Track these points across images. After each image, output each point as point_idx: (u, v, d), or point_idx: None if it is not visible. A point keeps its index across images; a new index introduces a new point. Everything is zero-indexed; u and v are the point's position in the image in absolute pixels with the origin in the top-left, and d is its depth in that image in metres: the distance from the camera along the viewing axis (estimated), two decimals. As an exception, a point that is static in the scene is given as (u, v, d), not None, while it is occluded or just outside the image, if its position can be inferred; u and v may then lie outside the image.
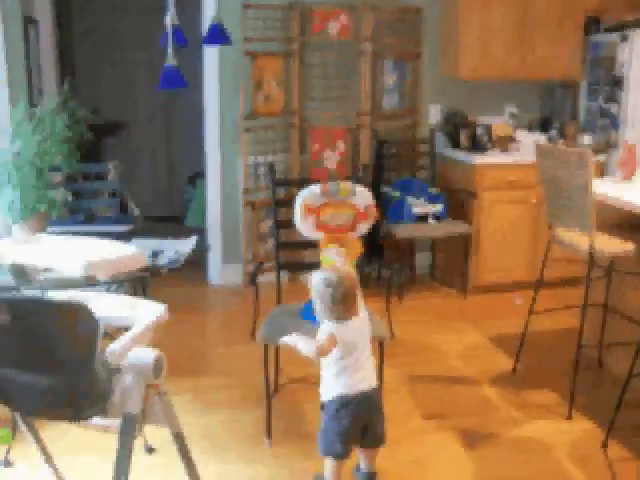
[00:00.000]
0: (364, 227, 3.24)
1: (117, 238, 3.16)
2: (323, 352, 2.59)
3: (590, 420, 3.53)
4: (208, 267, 5.59)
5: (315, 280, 2.64)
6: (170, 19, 3.26)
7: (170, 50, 3.16)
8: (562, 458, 3.22)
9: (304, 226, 3.19)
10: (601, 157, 5.17)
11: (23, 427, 2.63)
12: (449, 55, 5.55)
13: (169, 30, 3.19)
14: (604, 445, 3.29)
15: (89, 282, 2.73)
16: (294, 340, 2.68)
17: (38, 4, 5.08)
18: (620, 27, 5.31)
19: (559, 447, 3.31)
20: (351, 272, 2.75)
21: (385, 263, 5.28)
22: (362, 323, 2.69)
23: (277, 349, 3.60)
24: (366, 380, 2.67)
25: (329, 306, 2.59)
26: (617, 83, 5.31)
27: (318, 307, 2.64)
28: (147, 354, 2.22)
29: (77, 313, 2.13)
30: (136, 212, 4.17)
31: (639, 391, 3.50)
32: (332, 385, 2.67)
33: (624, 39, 5.24)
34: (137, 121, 7.44)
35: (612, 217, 3.75)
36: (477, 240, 5.26)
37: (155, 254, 2.99)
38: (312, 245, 3.31)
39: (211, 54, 5.23)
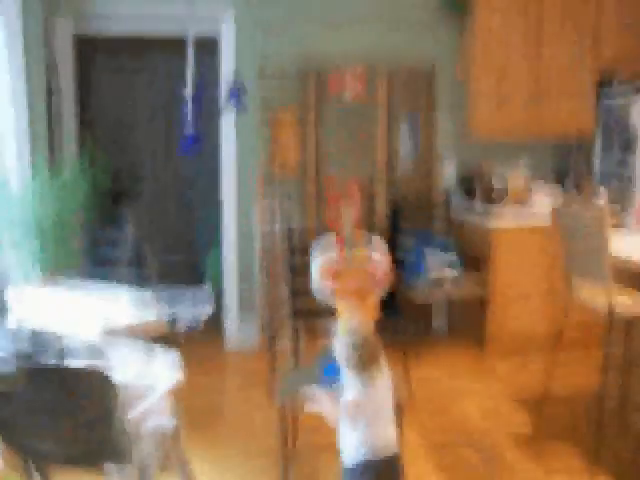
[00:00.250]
0: (380, 292, 3.24)
1: (136, 288, 3.18)
2: (350, 415, 2.56)
3: (614, 482, 3.45)
4: (225, 331, 5.59)
5: (340, 343, 2.62)
6: (189, 89, 3.35)
7: (188, 119, 3.24)
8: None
9: (321, 291, 3.19)
10: (615, 215, 5.17)
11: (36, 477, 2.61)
12: (464, 113, 5.62)
13: (188, 101, 3.28)
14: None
15: (106, 347, 2.73)
16: (321, 402, 2.64)
17: (62, 74, 5.22)
18: (632, 89, 5.34)
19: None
20: (373, 333, 2.75)
21: (402, 322, 5.25)
22: (386, 385, 2.67)
23: (294, 413, 3.57)
24: (390, 445, 2.64)
25: (356, 367, 2.58)
26: (630, 143, 5.35)
27: (344, 369, 2.62)
28: (166, 421, 2.21)
29: (96, 380, 2.14)
30: (154, 264, 4.20)
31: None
32: (356, 449, 2.63)
33: (636, 102, 5.27)
34: (151, 187, 7.52)
35: (632, 274, 3.73)
36: (494, 300, 5.23)
37: (173, 318, 3.00)
38: (329, 312, 3.31)
39: (229, 119, 5.31)
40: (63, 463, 2.29)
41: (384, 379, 2.65)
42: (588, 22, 5.51)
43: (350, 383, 2.62)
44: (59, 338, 2.86)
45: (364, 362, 2.56)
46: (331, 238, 3.22)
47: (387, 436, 2.63)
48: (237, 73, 5.18)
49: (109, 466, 2.30)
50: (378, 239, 3.27)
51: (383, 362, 2.68)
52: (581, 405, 4.26)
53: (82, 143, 5.41)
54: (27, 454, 2.30)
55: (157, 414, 2.27)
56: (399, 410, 3.14)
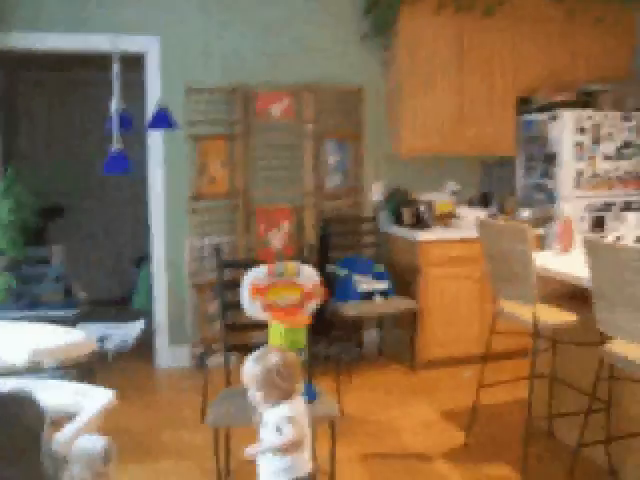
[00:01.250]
0: (312, 306, 3.26)
1: (63, 323, 3.12)
2: (298, 442, 2.50)
3: (543, 492, 3.53)
4: (155, 349, 5.51)
5: (256, 363, 2.53)
6: (115, 104, 3.31)
7: (115, 135, 3.20)
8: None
9: (252, 307, 3.20)
10: (539, 230, 5.33)
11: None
12: (389, 134, 5.73)
13: (114, 115, 3.24)
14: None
15: (34, 370, 2.67)
16: (264, 447, 2.54)
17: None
18: (549, 107, 5.57)
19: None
20: (289, 351, 2.70)
21: (333, 341, 5.28)
22: (302, 403, 2.63)
23: (227, 432, 3.54)
24: (307, 466, 2.60)
25: (277, 386, 2.52)
26: (550, 159, 5.54)
27: (261, 392, 2.53)
28: (95, 442, 2.17)
29: (21, 403, 2.09)
30: (81, 296, 4.12)
31: (590, 460, 3.53)
32: (284, 467, 2.60)
33: (553, 118, 5.49)
34: (81, 203, 7.41)
35: (554, 289, 3.85)
36: (423, 315, 5.32)
37: (102, 339, 2.95)
38: (260, 326, 3.31)
39: (155, 137, 5.29)
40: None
41: (301, 401, 2.61)
42: (505, 49, 5.74)
43: (267, 402, 2.54)
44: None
45: (283, 377, 2.51)
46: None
47: (305, 457, 2.59)
48: (164, 91, 5.17)
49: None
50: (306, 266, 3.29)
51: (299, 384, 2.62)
52: (511, 417, 4.36)
53: (6, 162, 5.28)
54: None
55: (87, 435, 2.22)
56: (331, 427, 3.16)
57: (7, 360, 2.68)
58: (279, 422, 2.50)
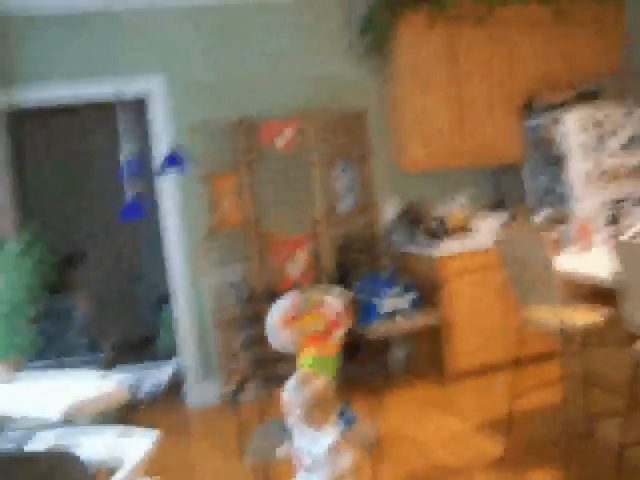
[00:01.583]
0: (339, 333, 3.26)
1: (93, 372, 3.13)
2: (357, 467, 2.52)
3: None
4: (184, 388, 5.51)
5: (300, 388, 2.57)
6: (124, 154, 3.35)
7: (127, 183, 3.24)
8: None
9: (279, 339, 3.20)
10: (554, 233, 5.32)
11: None
12: (394, 151, 5.75)
13: (125, 165, 3.28)
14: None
15: (69, 425, 2.68)
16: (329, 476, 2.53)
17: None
18: (550, 109, 5.58)
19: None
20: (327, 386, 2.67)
21: (360, 363, 5.27)
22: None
23: (267, 467, 3.53)
24: None
25: (324, 410, 2.54)
26: (558, 161, 5.53)
27: (308, 416, 2.54)
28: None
29: (63, 462, 2.09)
30: (110, 343, 4.14)
31: (632, 460, 3.50)
32: None
33: (556, 120, 5.49)
34: (98, 248, 7.45)
35: (577, 289, 3.84)
36: (448, 328, 5.30)
37: (134, 387, 2.96)
38: (286, 358, 3.31)
39: (167, 181, 5.32)
40: None
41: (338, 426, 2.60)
42: (504, 55, 5.77)
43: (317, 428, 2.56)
44: (17, 420, 2.80)
45: (328, 414, 2.54)
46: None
47: None
48: (171, 134, 5.21)
49: None
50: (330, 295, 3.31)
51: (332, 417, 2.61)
52: (547, 423, 4.32)
53: (23, 218, 5.33)
54: None
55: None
56: (369, 448, 3.15)
57: (42, 417, 2.69)
58: (332, 449, 2.51)
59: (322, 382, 2.59)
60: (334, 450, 2.50)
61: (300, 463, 2.56)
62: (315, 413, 2.54)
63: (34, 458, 2.20)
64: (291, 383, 2.60)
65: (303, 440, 2.57)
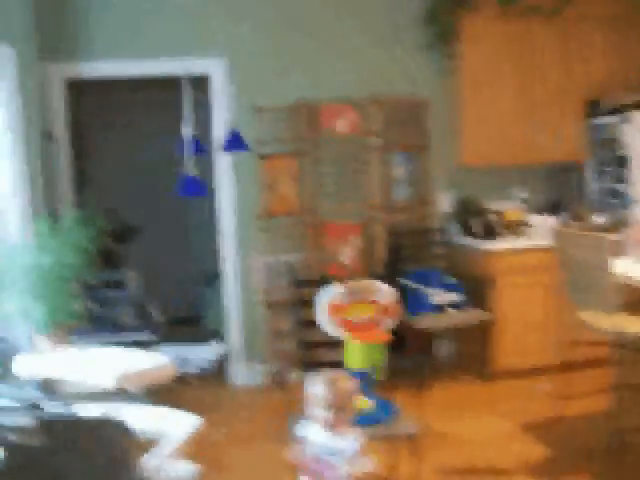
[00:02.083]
0: (389, 323, 3.25)
1: (143, 347, 3.18)
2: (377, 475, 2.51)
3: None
4: (230, 368, 5.56)
5: (330, 386, 2.52)
6: (188, 130, 3.37)
7: (189, 160, 3.26)
8: None
9: (329, 325, 3.20)
10: (614, 236, 5.20)
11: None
12: (456, 144, 5.68)
13: (187, 141, 3.30)
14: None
15: (119, 394, 2.73)
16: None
17: (56, 120, 5.23)
18: (619, 109, 5.44)
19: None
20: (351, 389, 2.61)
21: (407, 354, 5.25)
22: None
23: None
24: None
25: (351, 410, 2.51)
26: (622, 163, 5.40)
27: (335, 415, 2.50)
28: (186, 469, 2.20)
29: (113, 428, 2.13)
30: (159, 318, 4.20)
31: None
32: None
33: (625, 121, 5.35)
34: (151, 225, 7.53)
35: (635, 296, 3.75)
36: (497, 326, 5.24)
37: (183, 363, 3.00)
38: (334, 344, 3.32)
39: (224, 158, 5.36)
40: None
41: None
42: (573, 50, 5.62)
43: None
44: (70, 386, 2.86)
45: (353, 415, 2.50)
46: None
47: None
48: (231, 111, 5.24)
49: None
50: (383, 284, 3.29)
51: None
52: (594, 430, 4.23)
53: (79, 189, 5.42)
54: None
55: (175, 461, 2.25)
56: (413, 443, 3.14)
57: (95, 384, 2.75)
58: (356, 451, 2.47)
59: (348, 385, 2.55)
60: (356, 457, 2.47)
61: (311, 469, 2.50)
62: (337, 416, 2.50)
63: (85, 422, 2.24)
64: (317, 381, 2.56)
65: (318, 443, 2.51)
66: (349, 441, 2.49)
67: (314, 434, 2.52)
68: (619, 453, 3.63)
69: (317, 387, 2.52)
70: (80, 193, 5.55)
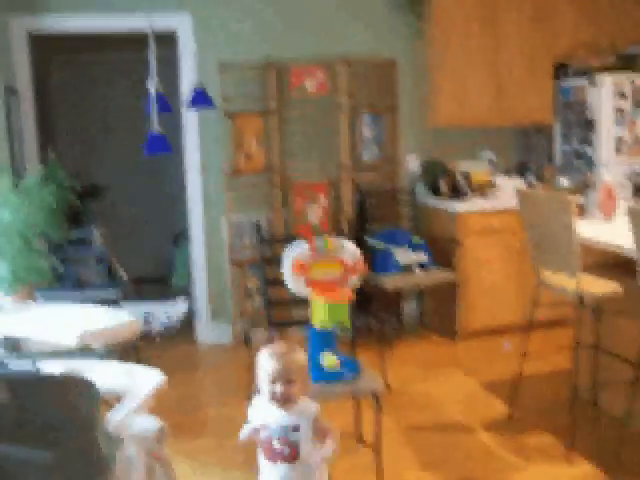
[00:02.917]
0: (354, 281, 3.26)
1: (108, 304, 3.16)
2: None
3: (590, 462, 3.51)
4: (196, 326, 5.57)
5: (284, 357, 2.36)
6: (153, 86, 3.32)
7: (154, 117, 3.22)
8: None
9: (295, 283, 3.21)
10: (579, 198, 5.26)
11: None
12: (425, 105, 5.67)
13: (152, 97, 3.25)
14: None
15: (83, 351, 2.72)
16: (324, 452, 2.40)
17: (19, 75, 5.12)
18: (587, 72, 5.46)
19: (561, 492, 3.30)
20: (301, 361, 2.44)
21: (373, 314, 5.29)
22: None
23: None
24: None
25: (305, 382, 2.41)
26: (588, 125, 5.44)
27: (294, 387, 2.35)
28: (150, 423, 2.20)
29: (77, 386, 2.12)
30: (123, 276, 4.18)
31: (638, 428, 3.51)
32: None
33: (592, 83, 5.38)
34: (118, 183, 7.45)
35: (597, 257, 3.81)
36: (463, 286, 5.30)
37: (147, 320, 2.99)
38: (300, 302, 3.33)
39: (191, 116, 5.29)
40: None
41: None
42: (545, 14, 5.61)
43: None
44: (33, 343, 2.84)
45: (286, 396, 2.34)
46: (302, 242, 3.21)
47: None
48: (197, 69, 5.17)
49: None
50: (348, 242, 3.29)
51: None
52: (554, 388, 4.33)
53: (43, 145, 5.32)
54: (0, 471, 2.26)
55: (140, 416, 2.25)
56: (376, 400, 3.18)
57: (58, 342, 2.73)
58: (321, 426, 2.39)
59: (297, 358, 2.39)
60: (317, 429, 2.37)
61: (269, 448, 2.35)
62: (287, 390, 2.33)
63: (49, 379, 2.23)
64: (272, 352, 2.38)
65: (270, 419, 2.36)
66: (301, 416, 2.36)
67: (265, 411, 2.38)
68: (579, 410, 3.71)
69: (265, 361, 2.36)
70: (47, 150, 5.46)
